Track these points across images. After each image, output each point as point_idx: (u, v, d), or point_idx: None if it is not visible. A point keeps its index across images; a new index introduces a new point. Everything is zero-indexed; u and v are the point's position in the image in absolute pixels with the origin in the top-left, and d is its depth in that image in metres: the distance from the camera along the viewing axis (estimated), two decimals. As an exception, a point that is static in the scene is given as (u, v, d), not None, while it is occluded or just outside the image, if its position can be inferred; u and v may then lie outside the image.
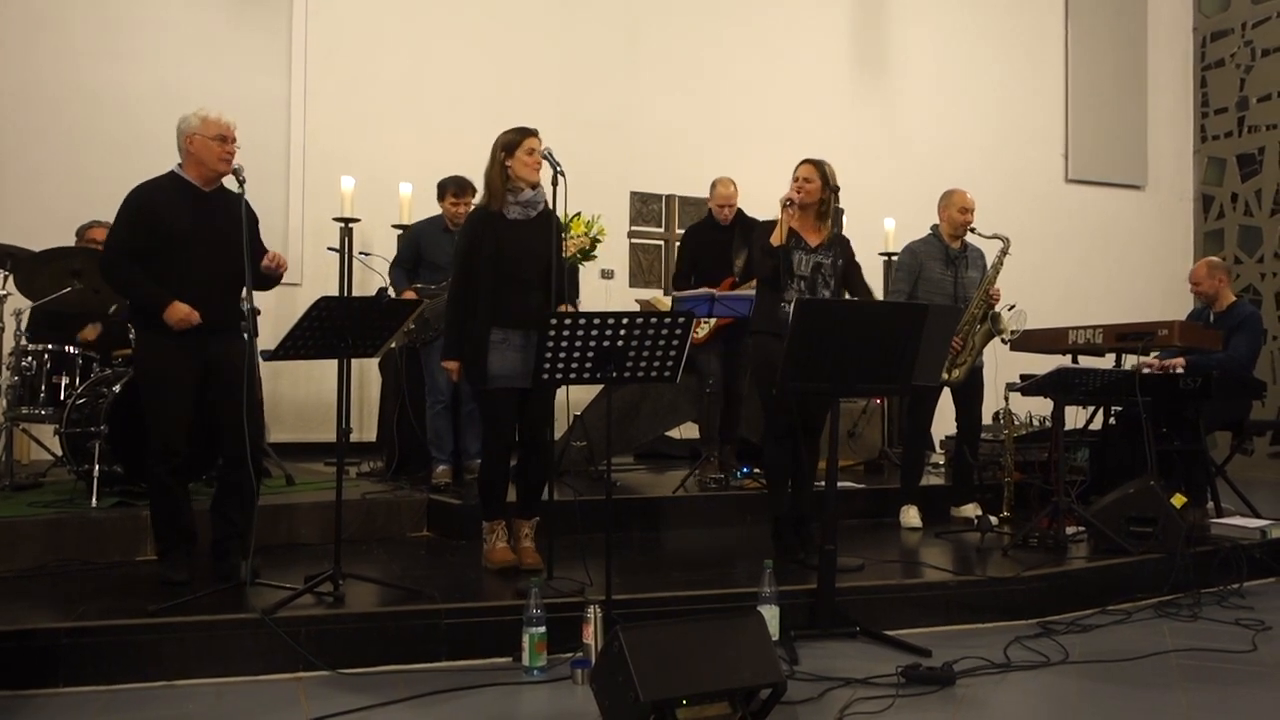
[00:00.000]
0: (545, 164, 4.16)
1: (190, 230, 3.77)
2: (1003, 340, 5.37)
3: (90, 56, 6.96)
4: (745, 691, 2.89)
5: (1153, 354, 6.01)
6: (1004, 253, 5.37)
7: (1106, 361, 6.13)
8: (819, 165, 4.62)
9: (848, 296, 4.68)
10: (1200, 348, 5.82)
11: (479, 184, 5.68)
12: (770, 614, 3.54)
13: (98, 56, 6.98)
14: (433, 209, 5.80)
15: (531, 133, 4.18)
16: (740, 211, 6.09)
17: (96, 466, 4.58)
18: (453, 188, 5.63)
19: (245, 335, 3.65)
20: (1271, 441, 9.32)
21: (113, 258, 3.83)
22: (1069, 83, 9.97)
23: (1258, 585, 4.81)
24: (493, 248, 4.11)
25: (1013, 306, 5.31)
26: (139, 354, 4.00)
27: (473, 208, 4.47)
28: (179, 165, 3.88)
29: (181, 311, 3.72)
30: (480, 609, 3.64)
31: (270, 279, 3.99)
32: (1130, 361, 5.89)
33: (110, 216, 5.69)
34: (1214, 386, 5.48)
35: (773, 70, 8.77)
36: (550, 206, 4.22)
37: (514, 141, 4.16)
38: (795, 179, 4.61)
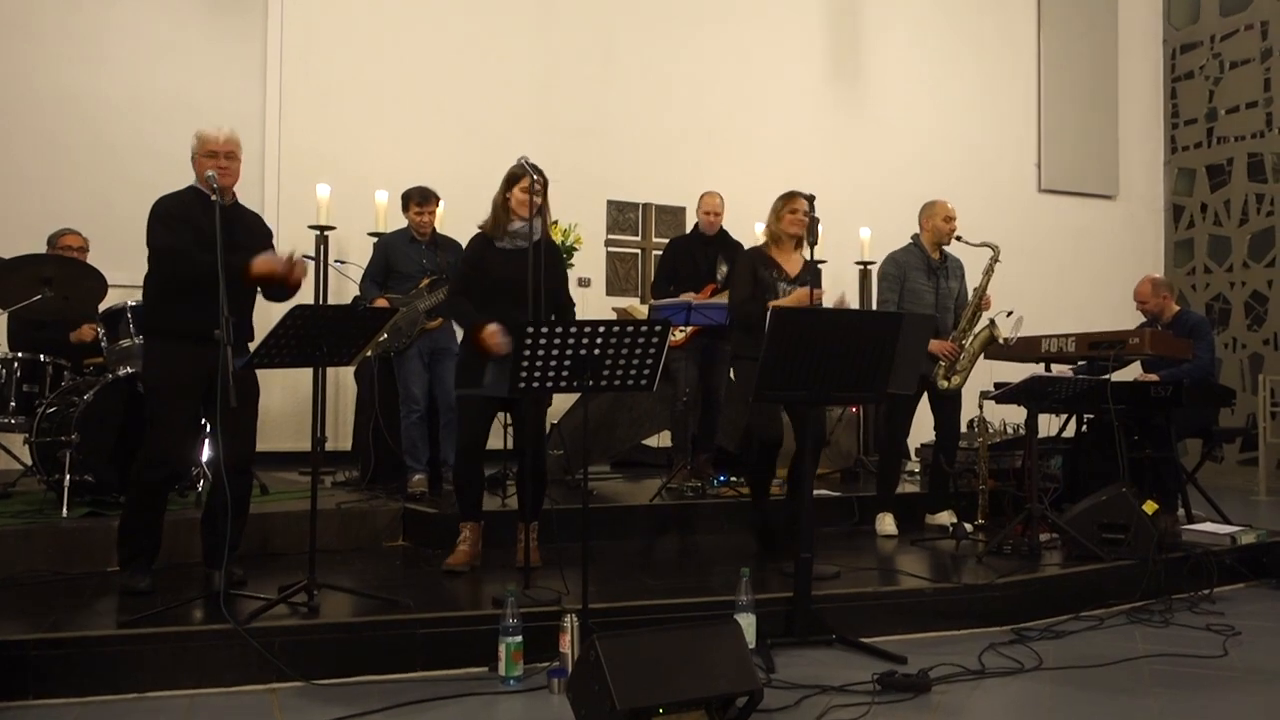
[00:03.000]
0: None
1: (197, 245, 3.76)
2: (1002, 345, 5.43)
3: (63, 62, 6.90)
4: (722, 699, 2.90)
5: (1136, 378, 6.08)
6: (994, 260, 5.43)
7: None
8: (811, 199, 4.77)
9: None
10: (1170, 356, 5.89)
11: (445, 194, 5.74)
12: (747, 622, 3.55)
13: (71, 62, 6.92)
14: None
15: (527, 172, 4.27)
16: (722, 229, 6.17)
17: (67, 476, 4.53)
18: (416, 197, 5.63)
19: (221, 340, 3.60)
20: (1241, 449, 9.43)
21: (166, 259, 3.80)
22: (1041, 94, 10.08)
23: (1228, 591, 4.86)
24: (482, 271, 4.30)
25: (1010, 313, 5.37)
26: (146, 361, 3.98)
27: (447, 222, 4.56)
28: (195, 181, 3.92)
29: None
30: (456, 618, 3.63)
31: (285, 289, 3.99)
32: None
33: (81, 223, 5.76)
34: (1184, 394, 5.54)
35: (749, 80, 8.81)
36: (541, 235, 4.26)
37: (515, 176, 4.30)
38: (794, 210, 4.83)
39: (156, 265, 3.84)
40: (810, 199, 4.67)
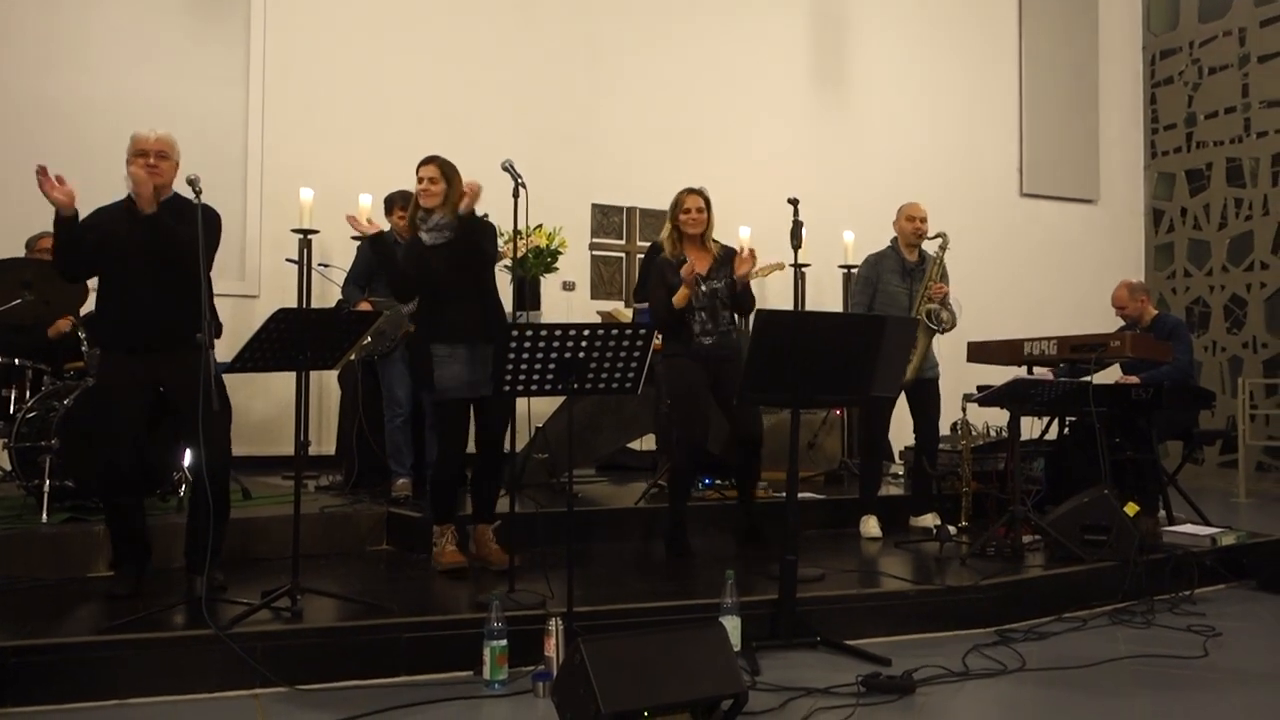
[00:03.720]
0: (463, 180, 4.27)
1: (128, 248, 3.74)
2: (939, 332, 5.43)
3: (43, 66, 6.85)
4: (707, 702, 2.90)
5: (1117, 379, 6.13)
6: (943, 248, 5.47)
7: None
8: (704, 194, 4.86)
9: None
10: (1150, 359, 5.94)
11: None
12: (732, 624, 3.55)
13: (51, 66, 6.87)
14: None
15: (423, 160, 4.35)
16: None
17: (47, 481, 4.49)
18: (400, 201, 5.63)
19: (201, 344, 3.58)
20: (1221, 451, 9.50)
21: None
22: (1023, 99, 10.13)
23: (1209, 592, 4.89)
24: (423, 270, 4.29)
25: (945, 296, 5.40)
26: (95, 371, 3.99)
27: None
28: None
29: (56, 191, 3.62)
30: (440, 622, 3.61)
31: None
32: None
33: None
34: (1165, 397, 5.58)
35: (733, 84, 8.82)
36: (480, 217, 4.32)
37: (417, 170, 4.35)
38: (686, 210, 4.82)
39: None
40: (794, 202, 4.69)
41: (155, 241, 3.70)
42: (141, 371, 3.77)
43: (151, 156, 3.80)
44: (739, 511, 5.07)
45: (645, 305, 5.83)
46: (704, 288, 4.77)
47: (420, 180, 4.33)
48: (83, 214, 3.76)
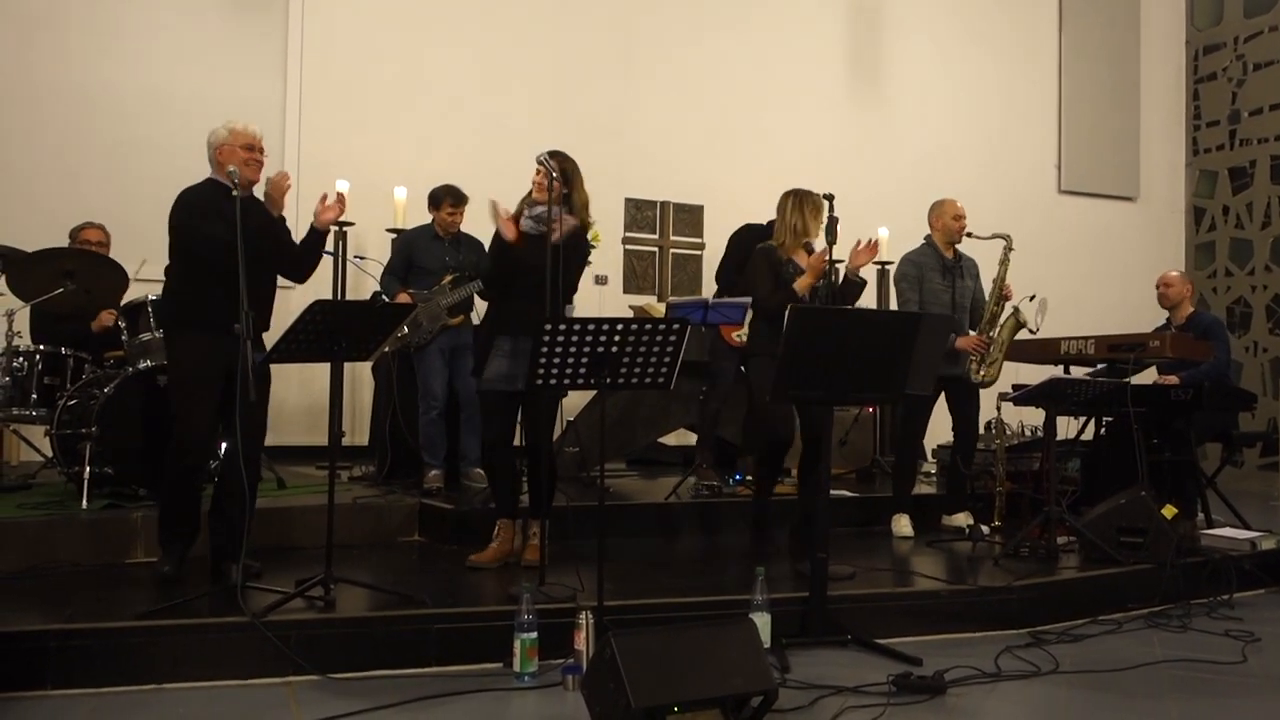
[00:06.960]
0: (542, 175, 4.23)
1: (227, 235, 3.78)
2: (1030, 331, 5.45)
3: (84, 57, 6.95)
4: (736, 699, 2.89)
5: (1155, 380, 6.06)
6: (1008, 249, 5.46)
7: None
8: (830, 198, 4.75)
9: None
10: (1189, 359, 5.85)
11: (471, 193, 5.73)
12: (762, 621, 3.54)
13: (92, 57, 6.96)
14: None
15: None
16: None
17: (87, 468, 4.56)
18: (450, 198, 5.65)
19: (241, 334, 3.61)
20: (1261, 453, 9.35)
21: (198, 240, 3.82)
22: (1062, 94, 10.01)
23: (1247, 597, 4.82)
24: (503, 257, 4.25)
25: (1033, 297, 5.39)
26: (171, 355, 4.00)
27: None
28: (213, 174, 3.95)
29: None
30: (471, 614, 3.64)
31: (309, 258, 4.08)
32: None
33: (102, 217, 5.79)
34: (1204, 398, 5.50)
35: (768, 78, 8.78)
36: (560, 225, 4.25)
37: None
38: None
39: (186, 255, 3.87)
40: (829, 198, 4.66)
41: (268, 236, 3.81)
42: (223, 356, 3.76)
43: (257, 150, 3.89)
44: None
45: (680, 300, 5.82)
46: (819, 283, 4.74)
47: (538, 171, 4.27)
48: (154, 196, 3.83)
